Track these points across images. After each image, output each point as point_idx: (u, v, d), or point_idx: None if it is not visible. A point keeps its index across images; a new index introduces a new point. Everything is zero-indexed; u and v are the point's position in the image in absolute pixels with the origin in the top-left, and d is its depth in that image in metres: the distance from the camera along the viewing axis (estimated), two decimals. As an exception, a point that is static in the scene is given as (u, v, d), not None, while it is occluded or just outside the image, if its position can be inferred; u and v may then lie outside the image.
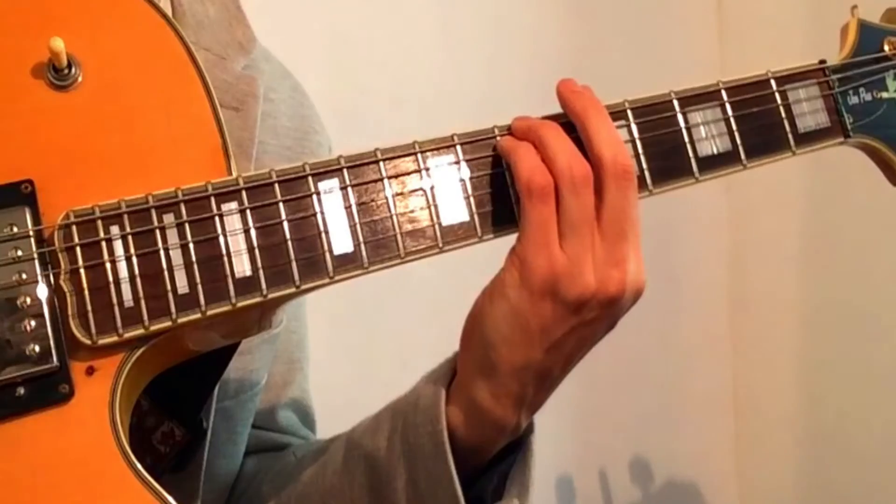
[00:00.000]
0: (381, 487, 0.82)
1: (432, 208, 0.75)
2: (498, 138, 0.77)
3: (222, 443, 0.92)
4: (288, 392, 1.05)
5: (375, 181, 0.75)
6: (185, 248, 0.70)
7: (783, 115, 0.84)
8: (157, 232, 0.70)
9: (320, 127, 1.05)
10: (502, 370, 0.75)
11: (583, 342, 0.76)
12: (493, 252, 0.81)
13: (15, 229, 0.68)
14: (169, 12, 0.79)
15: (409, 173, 0.75)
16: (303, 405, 1.07)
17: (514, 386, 0.76)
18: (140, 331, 0.69)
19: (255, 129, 0.93)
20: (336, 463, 0.88)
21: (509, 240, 0.77)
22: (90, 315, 0.68)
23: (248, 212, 0.71)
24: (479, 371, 0.77)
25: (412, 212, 0.75)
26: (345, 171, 0.74)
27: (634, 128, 0.79)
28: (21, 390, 0.67)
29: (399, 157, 0.75)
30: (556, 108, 0.79)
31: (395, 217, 0.74)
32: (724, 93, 0.83)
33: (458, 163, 0.76)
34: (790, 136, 0.84)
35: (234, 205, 0.71)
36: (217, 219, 0.71)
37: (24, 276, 0.68)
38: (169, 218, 0.70)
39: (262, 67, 0.99)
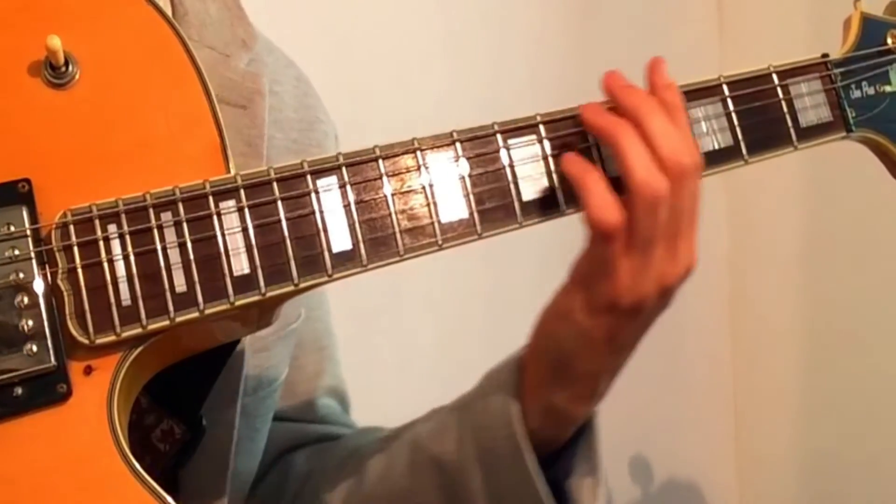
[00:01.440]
0: (456, 487, 0.84)
1: (431, 206, 0.75)
2: (465, 161, 0.76)
3: (241, 440, 0.92)
4: (322, 381, 1.05)
5: (374, 179, 0.74)
6: (182, 246, 0.70)
7: (785, 109, 0.84)
8: (155, 231, 0.70)
9: (325, 115, 1.05)
10: (578, 378, 0.79)
11: (644, 330, 0.79)
12: (493, 250, 0.81)
13: (12, 228, 0.68)
14: (169, 12, 0.79)
15: (408, 171, 0.75)
16: (339, 391, 1.08)
17: (588, 388, 0.80)
18: (138, 330, 0.68)
19: (264, 126, 0.93)
20: (402, 465, 0.89)
21: (508, 237, 0.77)
22: (88, 314, 0.68)
23: (246, 210, 0.71)
24: (555, 380, 0.79)
25: (411, 209, 0.74)
26: (343, 168, 0.74)
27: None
28: (19, 390, 0.67)
29: (398, 154, 0.75)
30: (558, 106, 0.78)
31: (393, 214, 0.74)
32: (725, 87, 0.82)
33: (457, 160, 0.76)
34: (792, 130, 0.84)
35: (232, 203, 0.71)
36: (215, 217, 0.71)
37: (21, 275, 0.68)
38: (167, 216, 0.70)
39: (265, 60, 0.99)
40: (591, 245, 0.75)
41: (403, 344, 1.72)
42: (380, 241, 0.73)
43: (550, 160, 0.77)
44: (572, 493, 0.82)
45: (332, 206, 0.73)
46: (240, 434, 0.90)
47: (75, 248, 0.68)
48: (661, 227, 0.73)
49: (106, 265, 0.69)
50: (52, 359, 0.67)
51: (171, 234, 0.70)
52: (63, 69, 0.71)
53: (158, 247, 0.69)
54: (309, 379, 1.03)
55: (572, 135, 0.78)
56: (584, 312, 0.76)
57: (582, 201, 0.74)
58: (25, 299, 0.67)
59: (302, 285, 0.72)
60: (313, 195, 0.73)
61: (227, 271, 0.70)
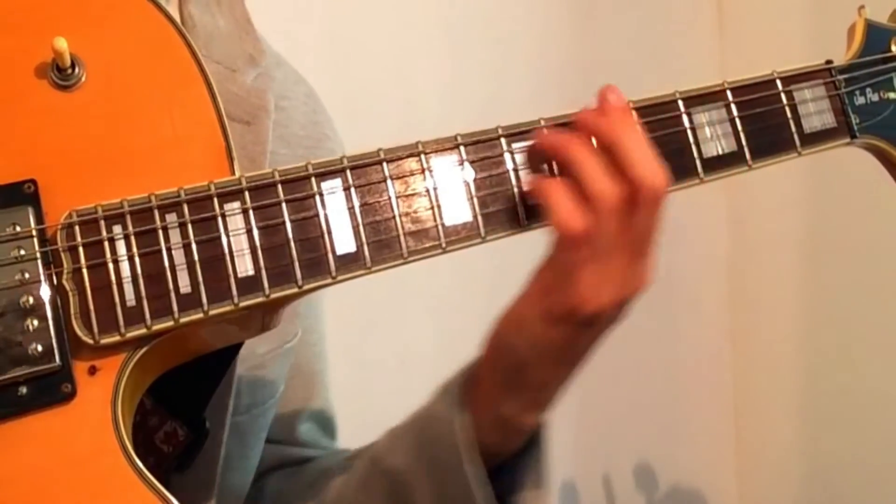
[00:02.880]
0: (404, 501, 0.84)
1: (435, 209, 0.75)
2: (468, 165, 0.76)
3: (234, 458, 0.92)
4: (309, 405, 1.05)
5: (378, 182, 0.74)
6: (187, 247, 0.70)
7: (789, 115, 0.84)
8: (160, 232, 0.70)
9: (333, 133, 1.04)
10: (530, 387, 0.79)
11: (598, 340, 0.78)
12: (495, 253, 0.81)
13: (18, 229, 0.68)
14: None
15: (412, 174, 0.75)
16: (324, 417, 1.07)
17: (540, 397, 0.80)
18: (142, 330, 0.68)
19: (267, 143, 0.92)
20: (359, 479, 0.90)
21: (511, 240, 0.77)
22: (92, 314, 0.68)
23: (250, 212, 0.71)
24: (507, 389, 0.79)
25: (415, 212, 0.75)
26: (347, 171, 0.74)
27: (638, 128, 0.79)
28: (23, 390, 0.67)
29: (402, 157, 0.75)
30: (561, 108, 0.79)
31: (397, 217, 0.74)
32: (729, 93, 0.82)
33: (461, 163, 0.76)
34: (796, 136, 0.84)
35: (236, 205, 0.71)
36: (220, 219, 0.71)
37: (26, 275, 0.68)
38: (171, 218, 0.70)
39: (273, 74, 0.99)
40: (555, 253, 0.74)
41: (404, 345, 1.72)
42: (383, 243, 0.74)
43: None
44: None
45: (336, 208, 0.73)
46: (232, 451, 0.89)
47: (80, 249, 0.69)
48: (617, 238, 0.73)
49: (111, 266, 0.69)
50: (57, 359, 0.67)
51: (175, 236, 0.70)
52: (69, 71, 0.71)
53: (163, 248, 0.70)
54: (295, 402, 1.03)
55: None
56: (542, 321, 0.75)
57: (547, 208, 0.74)
58: (30, 299, 0.68)
59: (306, 287, 0.72)
60: (317, 197, 0.73)
61: (231, 272, 0.70)
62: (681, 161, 0.80)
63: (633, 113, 0.78)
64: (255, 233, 0.71)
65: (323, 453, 1.04)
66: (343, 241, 0.73)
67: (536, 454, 0.84)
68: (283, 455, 1.02)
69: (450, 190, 0.75)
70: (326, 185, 0.73)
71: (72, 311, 0.68)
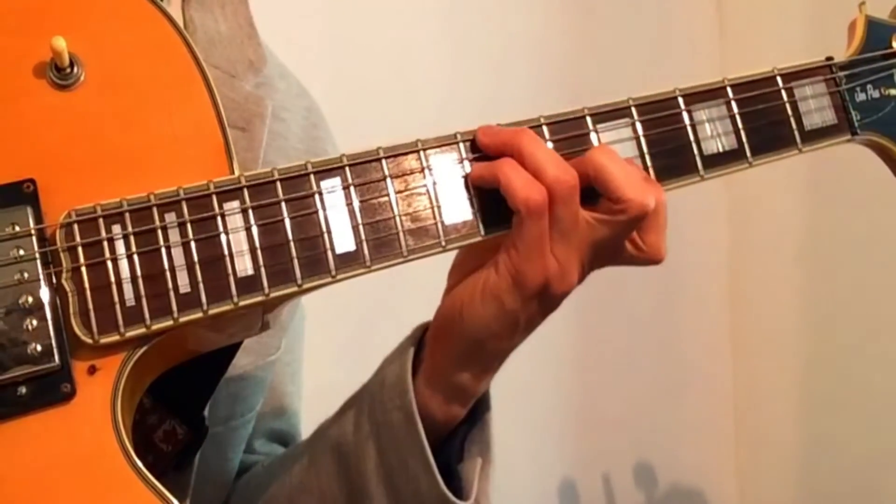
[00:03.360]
0: (351, 471, 0.84)
1: (435, 207, 0.75)
2: (468, 163, 0.76)
3: (211, 470, 0.92)
4: (272, 423, 1.05)
5: (378, 180, 0.74)
6: (186, 246, 0.70)
7: (789, 112, 0.84)
8: (159, 231, 0.70)
9: (333, 149, 1.03)
10: (487, 357, 0.80)
11: (552, 310, 0.79)
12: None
13: (17, 228, 0.68)
14: None
15: (411, 172, 0.75)
16: (286, 435, 1.07)
17: (494, 365, 0.81)
18: (142, 330, 0.68)
19: (260, 150, 0.92)
20: (301, 459, 0.89)
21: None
22: (92, 314, 0.68)
23: (249, 210, 0.71)
24: (461, 359, 0.80)
25: (415, 210, 0.74)
26: (347, 169, 0.74)
27: (639, 126, 0.79)
28: (23, 389, 0.67)
29: (402, 155, 0.75)
30: (560, 105, 0.79)
31: (397, 216, 0.74)
32: (729, 90, 0.82)
33: (461, 161, 0.76)
34: (796, 133, 0.84)
35: (235, 203, 0.71)
36: (219, 217, 0.71)
37: (25, 275, 0.68)
38: (171, 217, 0.70)
39: (276, 85, 0.98)
40: (522, 226, 0.74)
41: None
42: (383, 242, 0.73)
43: None
44: (463, 474, 0.82)
45: (335, 206, 0.73)
46: (209, 462, 0.89)
47: (79, 248, 0.68)
48: (577, 216, 0.74)
49: (110, 265, 0.69)
50: (56, 358, 0.67)
51: (174, 235, 0.70)
52: (68, 70, 0.71)
53: (162, 247, 0.69)
54: (263, 418, 1.02)
55: (575, 136, 0.78)
56: (511, 294, 0.75)
57: (505, 187, 0.74)
58: (30, 299, 0.67)
59: (305, 286, 0.71)
60: (317, 196, 0.73)
61: (230, 272, 0.70)
62: (681, 158, 0.80)
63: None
64: (255, 232, 0.71)
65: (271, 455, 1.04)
66: (343, 239, 0.72)
67: (482, 420, 0.84)
68: (241, 462, 1.01)
69: (450, 188, 0.75)
70: (326, 184, 0.73)
71: (71, 311, 0.68)
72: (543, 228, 0.74)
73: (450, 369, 0.80)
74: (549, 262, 0.74)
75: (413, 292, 1.72)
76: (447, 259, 0.79)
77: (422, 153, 0.75)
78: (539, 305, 0.76)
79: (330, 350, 1.50)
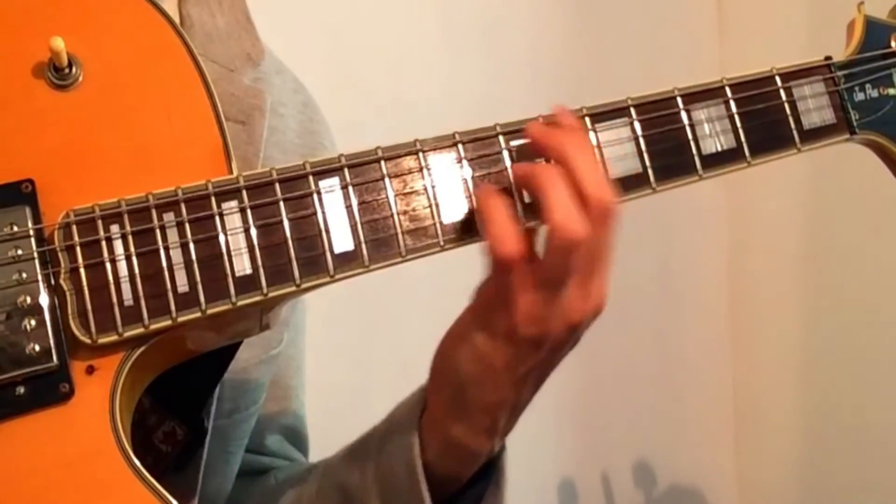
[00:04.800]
0: None
1: (433, 207, 0.75)
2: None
3: (216, 462, 0.92)
4: (280, 418, 1.04)
5: (376, 180, 0.74)
6: (185, 246, 0.70)
7: (788, 111, 0.84)
8: (158, 231, 0.70)
9: (330, 143, 1.04)
10: (474, 409, 0.76)
11: (549, 368, 0.76)
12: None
13: (15, 228, 0.68)
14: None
15: (410, 172, 0.75)
16: (294, 431, 1.07)
17: (487, 421, 0.77)
18: (140, 330, 0.68)
19: (261, 143, 0.92)
20: (311, 491, 0.89)
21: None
22: (90, 314, 0.68)
23: (248, 210, 0.71)
24: (451, 410, 0.77)
25: (413, 210, 0.74)
26: (346, 169, 0.74)
27: (637, 125, 0.79)
28: (21, 389, 0.67)
29: (400, 155, 0.75)
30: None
31: (395, 215, 0.74)
32: (728, 90, 0.82)
33: (459, 161, 0.76)
34: (795, 133, 0.84)
35: (234, 203, 0.71)
36: (217, 217, 0.71)
37: (24, 275, 0.68)
38: (169, 217, 0.70)
39: (272, 81, 0.98)
40: (491, 273, 0.73)
41: (403, 345, 1.72)
42: (382, 241, 0.73)
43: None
44: None
45: (334, 206, 0.73)
46: (213, 456, 0.89)
47: (78, 248, 0.68)
48: (567, 269, 0.71)
49: (108, 265, 0.69)
50: (55, 358, 0.67)
51: (173, 235, 0.70)
52: (66, 71, 0.71)
53: (161, 247, 0.69)
54: (268, 413, 1.02)
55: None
56: (482, 336, 0.73)
57: (482, 230, 0.72)
58: (28, 299, 0.67)
59: (304, 285, 0.71)
60: (315, 196, 0.73)
61: (229, 271, 0.70)
62: (680, 158, 0.80)
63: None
64: (253, 231, 0.71)
65: (285, 464, 1.04)
66: (341, 239, 0.72)
67: (495, 481, 0.82)
68: (249, 462, 1.01)
69: (448, 188, 0.75)
70: (324, 184, 0.73)
71: (69, 311, 0.68)
72: (511, 283, 0.71)
73: (443, 420, 0.78)
74: (520, 307, 0.71)
75: (413, 292, 1.73)
76: (447, 259, 0.79)
77: (420, 153, 0.75)
78: (515, 350, 0.73)
79: (330, 350, 1.50)
